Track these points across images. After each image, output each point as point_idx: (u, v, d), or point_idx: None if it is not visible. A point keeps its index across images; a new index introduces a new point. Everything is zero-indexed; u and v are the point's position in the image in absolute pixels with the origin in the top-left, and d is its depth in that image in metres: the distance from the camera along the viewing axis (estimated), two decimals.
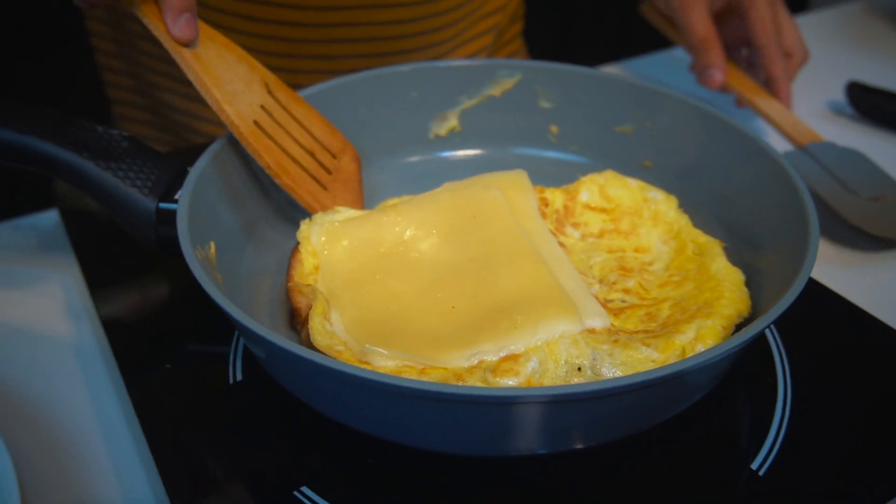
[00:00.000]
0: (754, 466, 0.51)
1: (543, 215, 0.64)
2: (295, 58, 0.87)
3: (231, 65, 0.62)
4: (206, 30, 0.61)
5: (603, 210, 0.64)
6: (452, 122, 0.74)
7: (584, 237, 0.63)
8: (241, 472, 0.51)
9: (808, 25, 1.12)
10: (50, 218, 0.74)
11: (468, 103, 0.73)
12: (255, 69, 0.64)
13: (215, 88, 0.60)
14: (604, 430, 0.49)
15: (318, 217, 0.62)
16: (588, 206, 0.65)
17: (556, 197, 0.65)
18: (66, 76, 0.97)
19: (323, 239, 0.61)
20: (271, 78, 0.64)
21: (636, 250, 0.62)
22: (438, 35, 0.90)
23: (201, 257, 0.53)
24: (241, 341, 0.59)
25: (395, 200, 0.65)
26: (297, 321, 0.57)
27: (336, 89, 0.69)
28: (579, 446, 0.49)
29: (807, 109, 0.93)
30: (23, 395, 0.58)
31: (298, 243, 0.61)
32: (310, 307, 0.55)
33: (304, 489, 0.49)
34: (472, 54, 0.97)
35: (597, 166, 0.72)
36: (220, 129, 0.61)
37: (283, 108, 0.65)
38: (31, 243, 0.72)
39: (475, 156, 0.75)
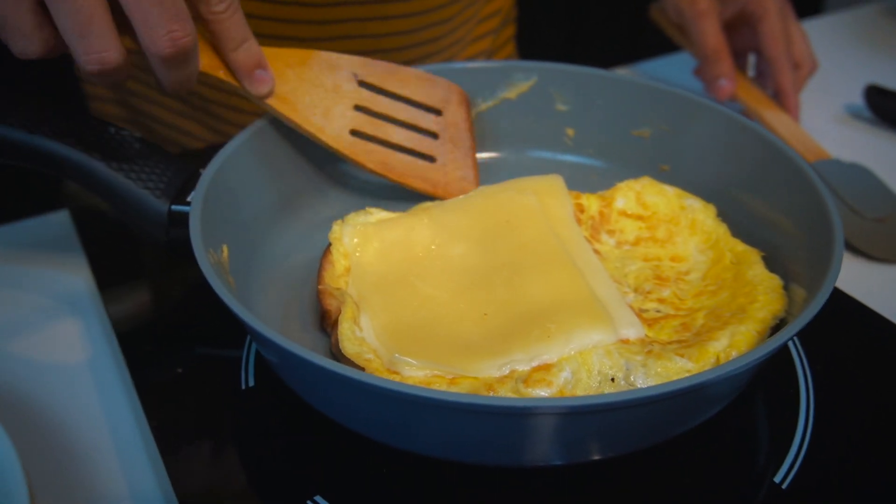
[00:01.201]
0: (777, 479, 0.50)
1: (579, 221, 0.63)
2: None
3: (314, 81, 0.62)
4: (282, 56, 0.61)
5: (639, 217, 0.63)
6: None
7: (619, 245, 0.62)
8: (254, 479, 0.51)
9: (825, 28, 1.11)
10: (60, 218, 0.73)
11: (483, 105, 0.73)
12: (341, 67, 0.63)
13: (306, 124, 0.62)
14: (622, 442, 0.48)
15: (351, 218, 0.62)
16: (624, 213, 0.64)
17: (591, 203, 0.64)
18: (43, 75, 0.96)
19: (355, 240, 0.60)
20: (358, 64, 0.64)
21: (672, 259, 0.60)
22: (436, 45, 0.89)
23: (214, 261, 0.52)
24: (254, 347, 0.58)
25: (428, 203, 0.64)
26: (327, 323, 0.56)
27: None
28: (597, 457, 0.48)
29: (825, 113, 0.92)
30: (32, 397, 0.58)
31: (330, 244, 0.60)
32: (339, 311, 0.55)
33: (318, 499, 0.49)
34: (469, 58, 0.96)
35: (613, 170, 0.71)
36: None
37: (379, 90, 0.65)
38: (41, 244, 0.71)
39: (490, 159, 0.74)
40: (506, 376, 0.50)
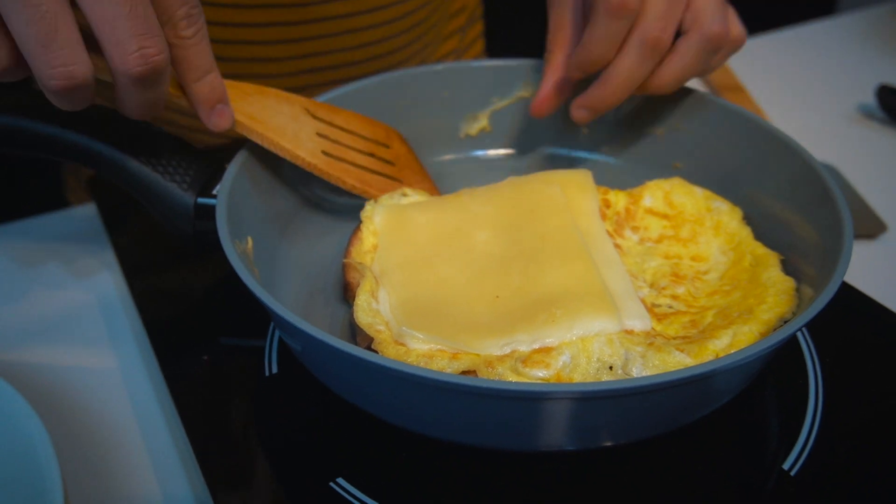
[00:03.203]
0: (786, 466, 0.51)
1: (603, 216, 0.64)
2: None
3: (276, 108, 0.62)
4: (238, 86, 0.60)
5: (665, 216, 0.64)
6: (483, 122, 0.75)
7: (642, 241, 0.63)
8: (278, 462, 0.52)
9: (838, 29, 1.11)
10: (88, 211, 0.75)
11: (499, 104, 0.74)
12: (293, 101, 0.64)
13: (281, 140, 0.61)
14: (632, 429, 0.49)
15: (384, 199, 0.64)
16: (650, 211, 0.65)
17: (618, 199, 0.65)
18: None
19: (385, 220, 0.62)
20: (307, 102, 0.65)
21: (693, 258, 0.62)
22: (406, 52, 0.89)
23: (240, 251, 0.54)
24: (276, 335, 0.60)
25: (462, 190, 0.66)
26: (349, 295, 0.59)
27: (370, 88, 0.70)
28: (608, 444, 0.50)
29: (837, 113, 0.93)
30: (62, 388, 0.59)
31: (361, 222, 0.63)
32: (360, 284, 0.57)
33: (340, 480, 0.50)
34: (439, 59, 0.96)
35: (627, 167, 0.73)
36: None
37: (330, 124, 0.66)
38: (69, 237, 0.73)
39: (507, 155, 0.75)
40: (506, 355, 0.51)
